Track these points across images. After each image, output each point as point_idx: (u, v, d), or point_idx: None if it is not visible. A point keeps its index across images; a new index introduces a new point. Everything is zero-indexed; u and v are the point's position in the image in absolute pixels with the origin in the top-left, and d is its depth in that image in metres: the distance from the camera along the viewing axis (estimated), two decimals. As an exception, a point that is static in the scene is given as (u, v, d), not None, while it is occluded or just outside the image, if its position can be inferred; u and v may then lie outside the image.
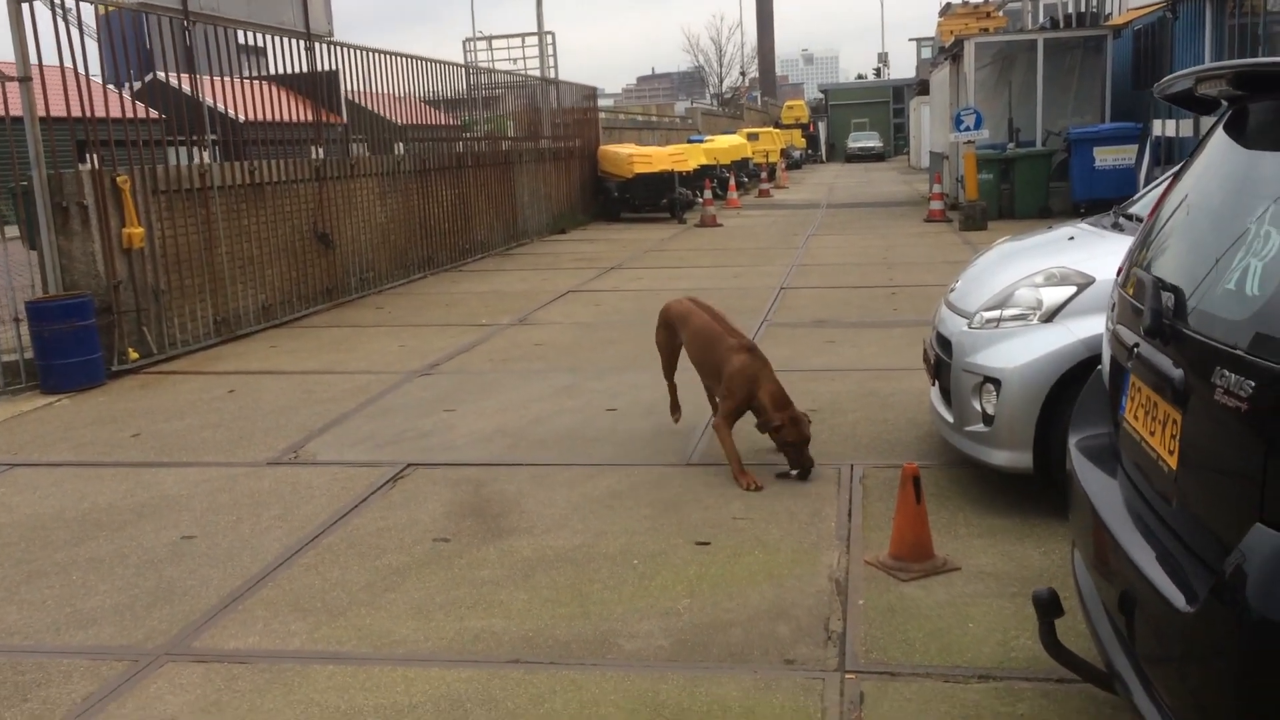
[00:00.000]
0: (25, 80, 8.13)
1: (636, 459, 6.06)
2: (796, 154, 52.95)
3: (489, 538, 4.99)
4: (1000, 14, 30.77)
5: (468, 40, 26.39)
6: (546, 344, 9.47)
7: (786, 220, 22.25)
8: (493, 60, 24.79)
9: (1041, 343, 4.73)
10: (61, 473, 6.29)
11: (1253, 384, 2.12)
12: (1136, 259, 3.06)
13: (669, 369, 6.57)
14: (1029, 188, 19.83)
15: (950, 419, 5.19)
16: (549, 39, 26.13)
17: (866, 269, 13.68)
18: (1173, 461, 2.48)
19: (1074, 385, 4.64)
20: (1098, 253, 4.93)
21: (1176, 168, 3.23)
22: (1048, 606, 2.88)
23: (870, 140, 63.53)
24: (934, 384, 5.53)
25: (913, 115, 50.35)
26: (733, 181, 27.02)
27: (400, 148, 14.65)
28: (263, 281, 10.88)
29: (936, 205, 20.71)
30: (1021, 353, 4.76)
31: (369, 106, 13.91)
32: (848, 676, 3.57)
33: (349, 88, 12.89)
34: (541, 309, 11.48)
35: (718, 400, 5.94)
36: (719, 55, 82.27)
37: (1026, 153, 20.09)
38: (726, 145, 30.36)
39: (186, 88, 10.19)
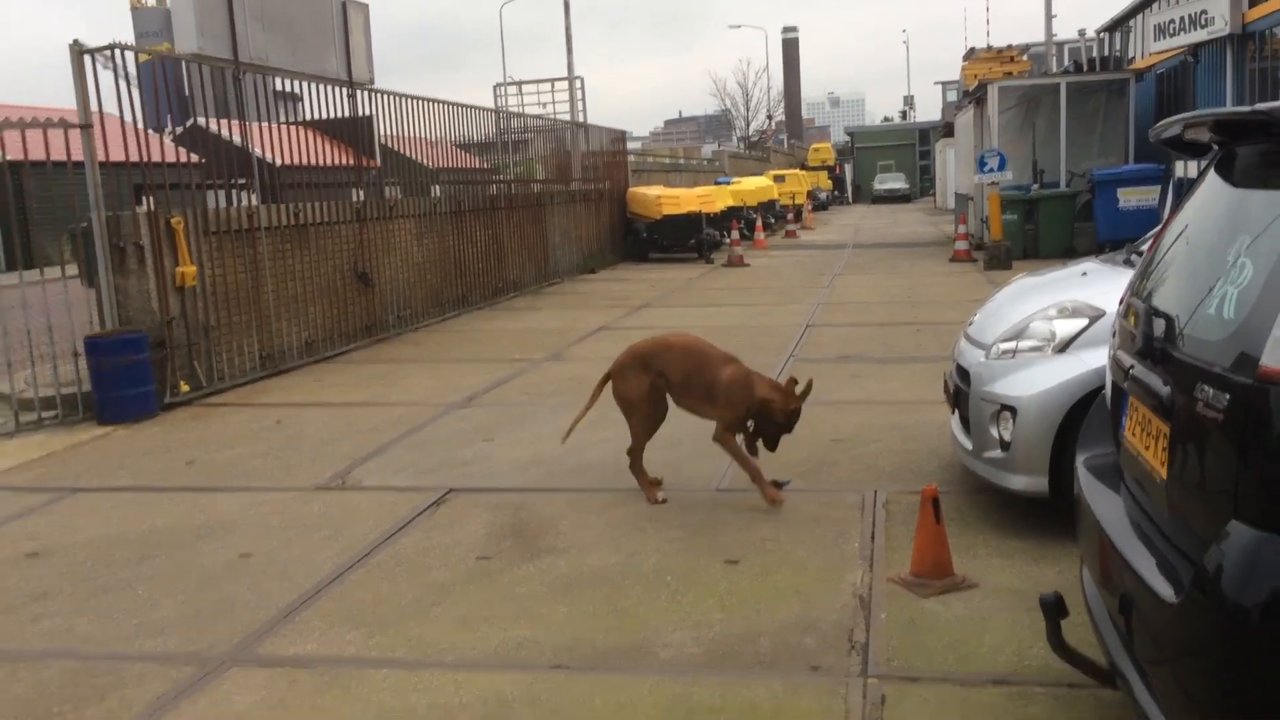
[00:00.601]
0: (87, 127, 8.57)
1: (666, 485, 6.31)
2: (822, 195, 53.40)
3: (528, 556, 5.25)
4: (1024, 58, 31.17)
5: (498, 85, 27.02)
6: (579, 378, 9.75)
7: (812, 261, 22.54)
8: (523, 105, 25.38)
9: (1055, 372, 4.97)
10: (122, 497, 6.62)
11: (1227, 396, 2.37)
12: (1136, 289, 3.31)
13: (650, 430, 6.06)
14: (1053, 228, 20.06)
15: (969, 446, 5.43)
16: (579, 83, 26.74)
17: (891, 307, 13.93)
18: (1163, 471, 2.73)
19: (1084, 411, 4.89)
20: (1108, 287, 5.16)
21: (1175, 206, 3.49)
22: (1054, 609, 3.11)
23: (896, 182, 63.99)
24: (954, 413, 5.77)
25: (939, 157, 50.73)
26: (759, 223, 27.37)
27: (436, 190, 15.08)
28: (306, 319, 11.25)
29: (962, 245, 20.97)
30: (1036, 382, 5.01)
31: (402, 150, 14.34)
32: (870, 681, 3.80)
33: (383, 132, 13.32)
34: (574, 345, 11.79)
35: (716, 415, 5.93)
36: (745, 99, 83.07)
37: (1051, 194, 20.36)
38: (753, 187, 30.77)
39: (227, 133, 10.62)
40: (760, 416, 5.90)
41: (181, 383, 9.26)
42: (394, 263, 13.30)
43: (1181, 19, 18.71)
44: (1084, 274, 5.65)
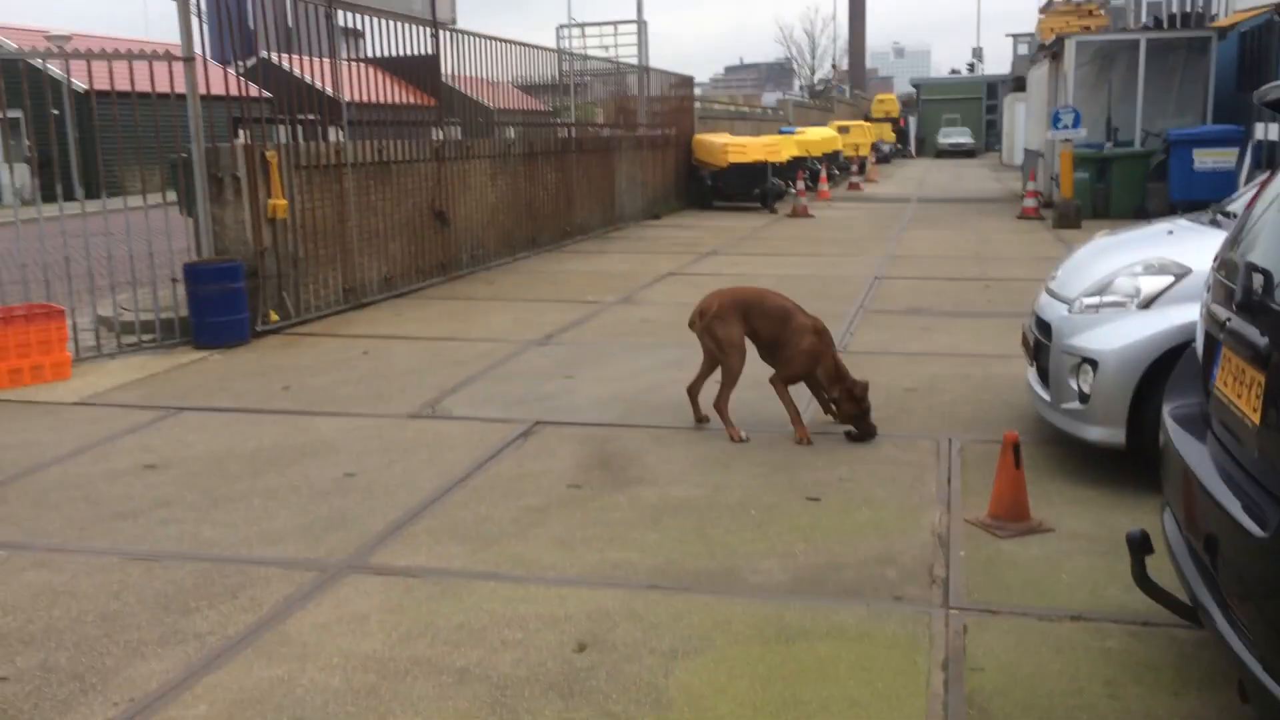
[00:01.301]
0: (190, 60, 8.86)
1: (746, 425, 6.53)
2: (886, 148, 52.74)
3: (617, 486, 5.52)
4: (1102, 12, 30.51)
5: (561, 27, 26.97)
6: (652, 321, 9.99)
7: (877, 213, 22.48)
8: (585, 48, 25.37)
9: (1139, 327, 5.10)
10: (227, 417, 6.98)
11: (1324, 347, 2.53)
12: (1232, 246, 3.45)
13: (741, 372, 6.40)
14: (1125, 188, 19.82)
15: (1047, 397, 5.58)
16: (643, 27, 26.56)
17: (960, 262, 13.97)
18: (1256, 418, 2.89)
19: (1168, 368, 5.02)
20: (1194, 246, 5.28)
21: (1255, 167, 3.61)
22: (1140, 545, 3.31)
23: (961, 136, 62.96)
24: (1031, 365, 5.92)
25: (1007, 112, 49.87)
26: (824, 174, 27.26)
27: (511, 132, 15.27)
28: (386, 254, 11.56)
29: (1030, 203, 20.80)
30: (1119, 336, 5.14)
31: (466, 91, 14.27)
32: (952, 612, 4.02)
33: (450, 71, 13.27)
34: (644, 289, 12.01)
35: (781, 368, 6.37)
36: (812, 47, 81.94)
37: (1124, 153, 20.09)
38: (818, 138, 30.55)
39: (296, 69, 10.60)
40: (824, 371, 6.29)
41: (271, 312, 9.61)
42: (469, 203, 13.56)
43: (1270, -24, 18.25)
44: (1169, 232, 5.74)
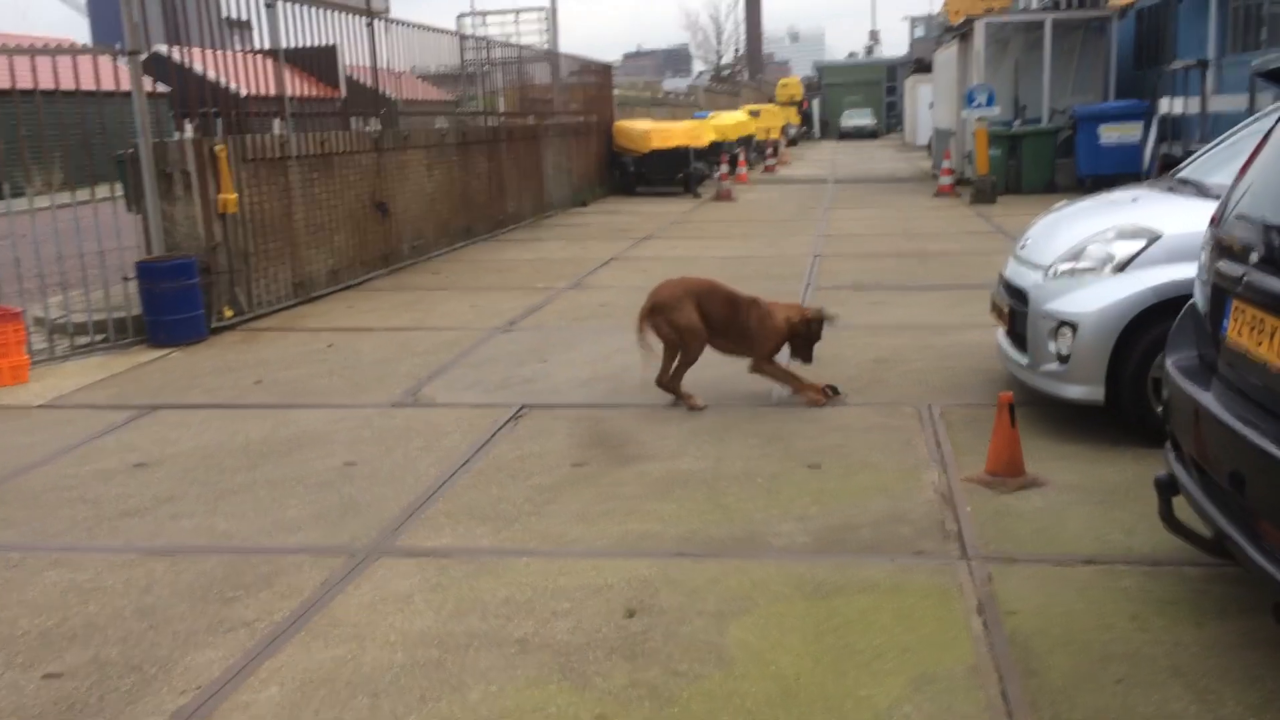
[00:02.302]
0: (135, 54, 8.69)
1: (730, 402, 6.71)
2: (792, 131, 53.50)
3: (620, 463, 5.64)
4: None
5: (462, 16, 26.68)
6: (610, 305, 10.11)
7: (799, 195, 22.88)
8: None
9: (1115, 290, 5.40)
10: (205, 413, 6.91)
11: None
12: (1239, 208, 3.70)
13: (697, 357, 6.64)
14: (1035, 163, 20.48)
15: (1025, 361, 5.87)
16: (544, 14, 26.38)
17: (891, 239, 14.35)
18: (1278, 361, 3.15)
19: (1142, 327, 5.34)
20: (1162, 211, 5.61)
21: (1266, 131, 3.87)
22: (1167, 487, 3.56)
23: (863, 118, 64.17)
24: (1006, 331, 6.19)
25: (908, 94, 51.04)
26: (742, 157, 27.61)
27: (442, 121, 15.20)
28: (332, 247, 11.47)
29: (946, 180, 21.38)
30: (1096, 299, 5.43)
31: (368, 81, 13.71)
32: (973, 562, 4.25)
33: (352, 62, 12.78)
34: (592, 274, 12.11)
35: (754, 350, 6.70)
36: (718, 32, 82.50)
37: (1034, 129, 20.75)
38: (732, 122, 30.91)
39: (188, 61, 9.86)
40: (792, 337, 6.72)
41: (225, 308, 9.49)
42: (407, 193, 13.49)
43: (1167, -43, 19.03)
44: (1134, 200, 6.06)
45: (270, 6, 10.34)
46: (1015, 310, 6.00)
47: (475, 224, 15.90)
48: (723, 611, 3.92)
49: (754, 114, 38.99)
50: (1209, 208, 5.46)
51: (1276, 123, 3.84)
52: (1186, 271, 5.26)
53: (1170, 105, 16.92)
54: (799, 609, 3.91)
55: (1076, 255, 5.67)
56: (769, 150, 32.75)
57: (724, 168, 22.81)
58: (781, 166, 33.43)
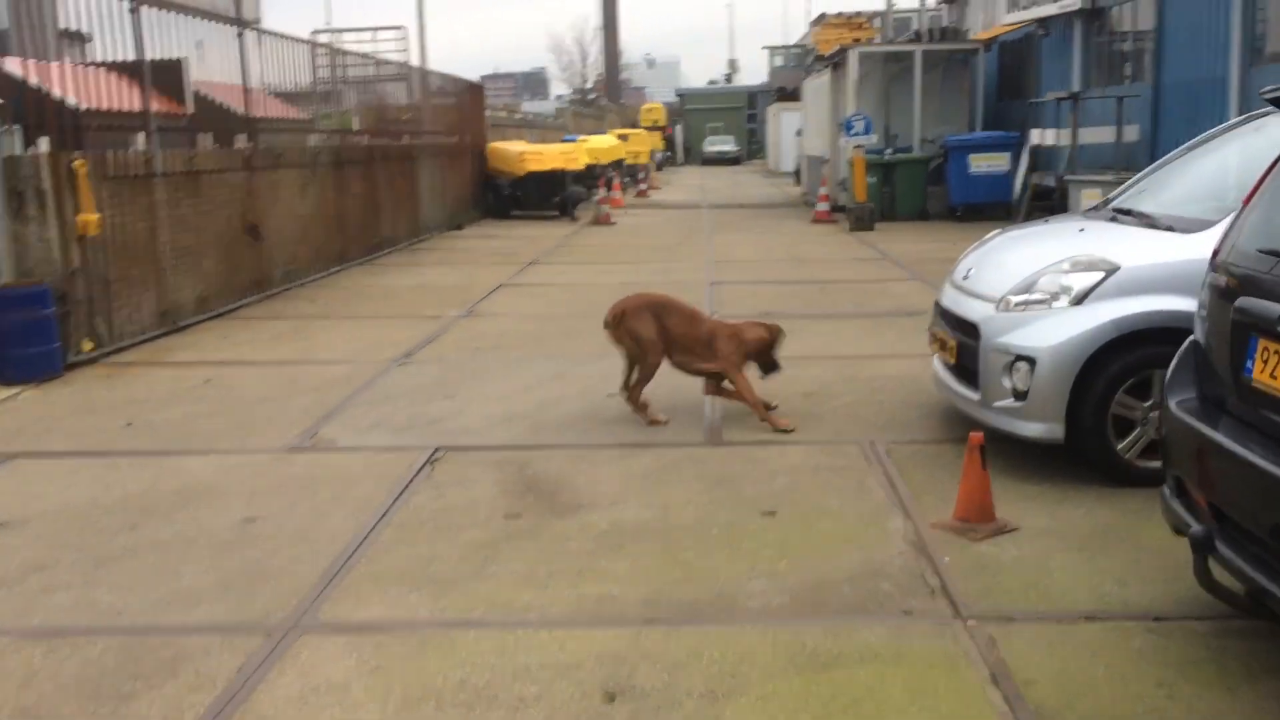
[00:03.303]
0: (-18, 58, 7.79)
1: (662, 440, 6.30)
2: (658, 156, 53.68)
3: (558, 513, 5.15)
4: (871, 25, 32.12)
5: (316, 32, 25.59)
6: (510, 333, 9.58)
7: (677, 219, 22.69)
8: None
9: (1074, 324, 5.19)
10: (71, 463, 6.12)
11: None
12: (1261, 241, 3.47)
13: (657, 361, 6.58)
14: (909, 191, 20.79)
15: (975, 396, 5.62)
16: (402, 33, 25.45)
17: (781, 265, 14.20)
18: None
19: (1103, 362, 5.15)
20: (1115, 243, 5.45)
21: (1274, 162, 3.67)
22: (1203, 544, 3.28)
23: (726, 144, 64.92)
24: (949, 366, 5.94)
25: (771, 121, 51.69)
26: (616, 181, 27.35)
27: (316, 139, 14.41)
28: (200, 272, 10.61)
29: (823, 207, 21.50)
30: (1055, 333, 5.22)
31: (219, 99, 12.79)
32: (969, 623, 3.91)
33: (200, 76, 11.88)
34: (483, 302, 11.54)
35: (715, 365, 6.60)
36: (583, 56, 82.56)
37: (907, 158, 21.07)
38: (605, 145, 30.65)
39: (22, 73, 9.06)
40: (757, 352, 6.71)
41: (85, 341, 8.59)
42: (280, 215, 12.67)
43: (1034, -7, 19.63)
44: (1081, 230, 5.90)
45: (134, 12, 9.48)
46: (963, 343, 5.75)
47: (350, 248, 15.10)
48: (714, 691, 3.48)
49: (623, 138, 38.86)
50: (1163, 239, 5.36)
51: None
52: (1147, 304, 5.14)
53: (1042, 136, 17.33)
54: (798, 686, 3.50)
55: (1030, 287, 5.45)
56: (640, 174, 32.59)
57: (604, 191, 22.48)
58: (653, 191, 33.31)
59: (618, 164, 32.58)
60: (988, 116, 22.66)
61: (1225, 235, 3.77)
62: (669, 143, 63.98)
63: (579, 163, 23.98)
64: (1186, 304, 4.99)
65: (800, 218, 22.34)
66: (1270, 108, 5.81)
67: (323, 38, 25.00)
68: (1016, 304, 5.45)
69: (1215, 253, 3.78)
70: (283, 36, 13.24)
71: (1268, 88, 3.70)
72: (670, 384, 6.93)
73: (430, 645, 3.84)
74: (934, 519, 4.90)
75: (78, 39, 11.90)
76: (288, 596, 4.28)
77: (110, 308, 9.02)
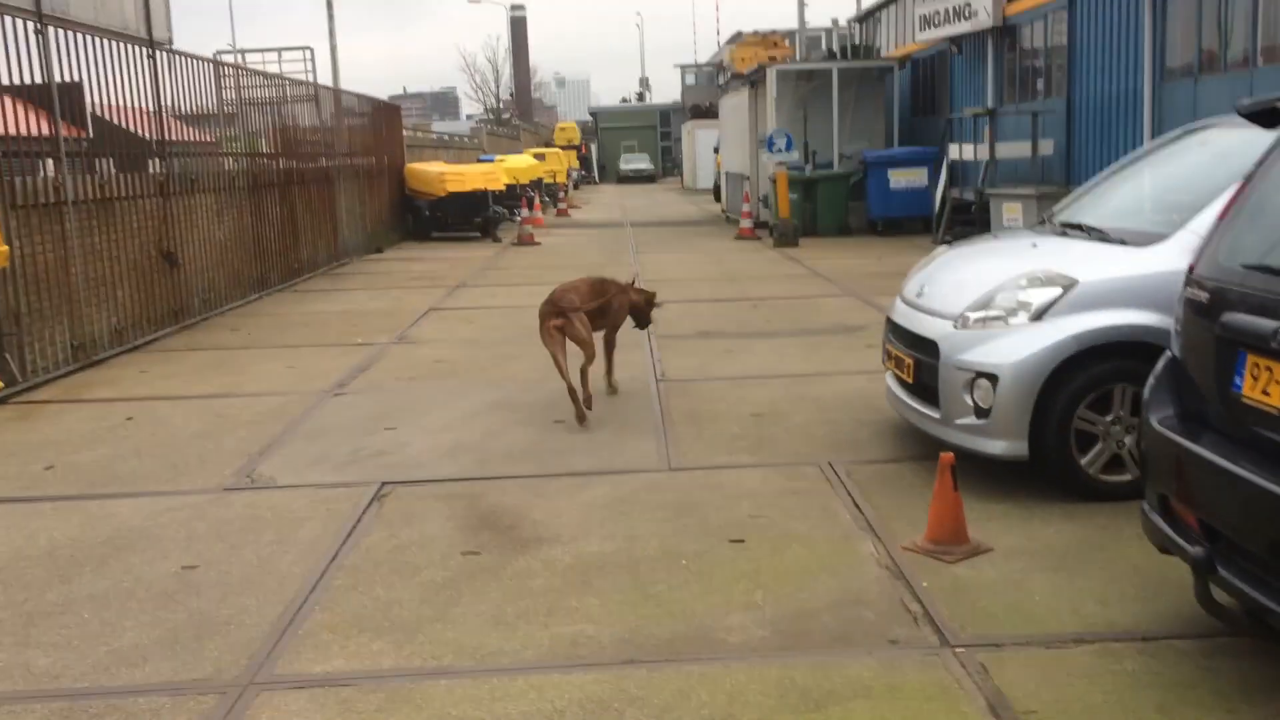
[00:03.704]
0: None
1: (617, 467, 6.13)
2: (574, 175, 53.59)
3: (518, 549, 4.95)
4: (786, 43, 32.44)
5: (220, 53, 24.85)
6: (446, 360, 9.33)
7: (601, 238, 22.57)
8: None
9: (1034, 340, 5.16)
10: (-10, 510, 5.73)
11: None
12: (1249, 256, 3.44)
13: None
14: (829, 207, 20.97)
15: (935, 414, 5.57)
16: (309, 53, 24.81)
17: (713, 284, 14.14)
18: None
19: (1064, 377, 5.13)
20: (1072, 258, 5.45)
21: (1248, 176, 3.66)
22: (1205, 566, 3.23)
23: (641, 162, 65.18)
24: (908, 382, 5.89)
25: (686, 138, 52.01)
26: (537, 201, 27.16)
27: (229, 163, 13.96)
28: (115, 303, 10.16)
29: (746, 224, 21.59)
30: (1016, 349, 5.19)
31: (124, 121, 12.02)
32: (958, 650, 3.82)
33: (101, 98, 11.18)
34: (414, 327, 11.26)
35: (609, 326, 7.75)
36: (496, 75, 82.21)
37: (827, 174, 21.26)
38: (524, 165, 30.47)
39: None
40: (637, 311, 7.97)
41: (-4, 378, 8.14)
42: (197, 241, 12.23)
43: (946, 10, 19.99)
44: (1034, 245, 5.89)
45: (40, 33, 9.05)
46: (921, 361, 5.70)
47: (269, 273, 14.68)
48: (707, 736, 3.32)
49: (540, 157, 38.67)
50: (1117, 252, 5.38)
51: (1265, 162, 3.63)
52: (1105, 319, 5.14)
53: (960, 151, 17.61)
54: (794, 726, 3.36)
55: (988, 303, 5.42)
56: (560, 194, 32.43)
57: (525, 212, 22.27)
58: (573, 210, 33.20)
59: (536, 183, 32.41)
60: (903, 132, 23.01)
61: (1201, 250, 3.75)
62: (584, 162, 63.98)
63: (500, 183, 23.73)
64: (1145, 317, 5.06)
65: (724, 235, 22.39)
66: (1214, 120, 5.92)
67: (227, 59, 24.49)
68: (975, 320, 5.42)
69: (1190, 268, 3.75)
70: (192, 57, 12.80)
71: (1246, 101, 3.69)
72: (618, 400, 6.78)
73: (400, 698, 3.62)
74: (905, 541, 4.81)
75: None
76: (239, 650, 4.02)
77: (20, 343, 8.56)
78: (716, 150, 35.25)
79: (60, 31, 9.47)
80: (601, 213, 32.77)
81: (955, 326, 5.48)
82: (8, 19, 8.66)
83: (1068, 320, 5.15)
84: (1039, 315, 5.23)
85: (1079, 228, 5.93)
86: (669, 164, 67.80)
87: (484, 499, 5.66)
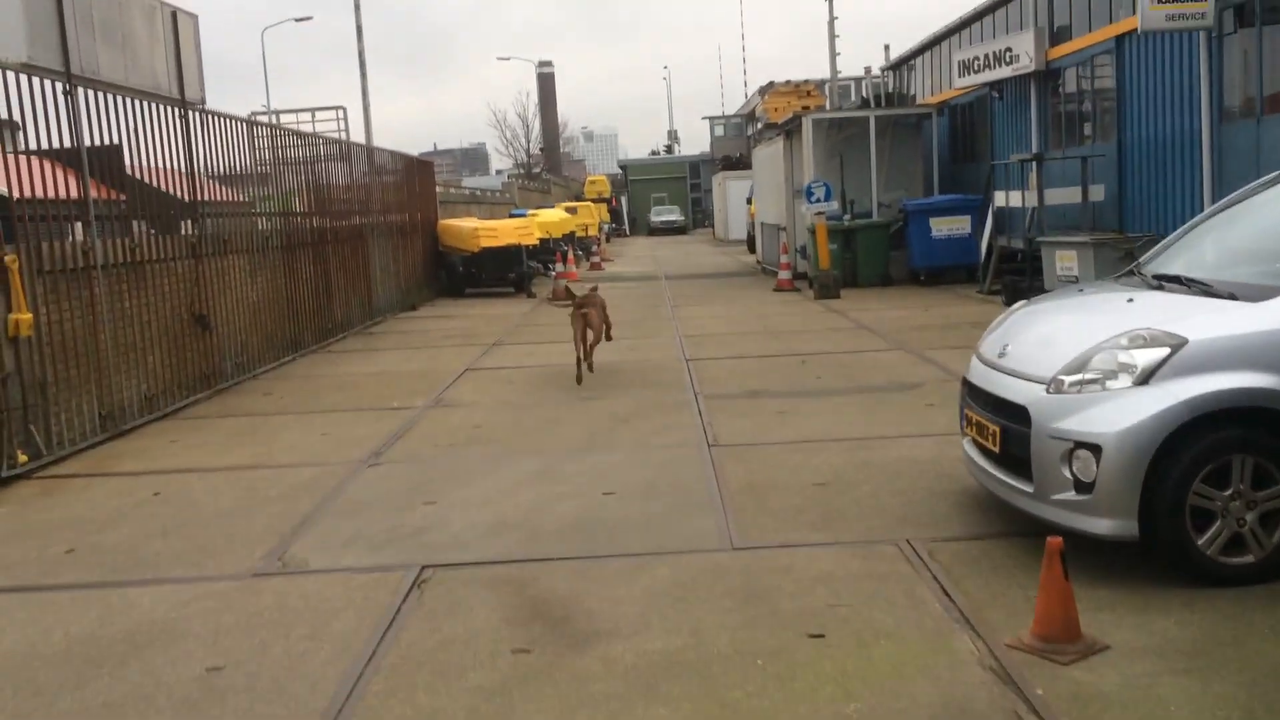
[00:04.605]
0: (-99, 146, 7.08)
1: (675, 546, 5.66)
2: (605, 227, 53.50)
3: (574, 645, 4.48)
4: (818, 92, 32.25)
5: (255, 114, 24.91)
6: (485, 425, 8.91)
7: (636, 292, 22.20)
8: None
9: (1142, 406, 4.67)
10: (3, 601, 5.33)
11: None
12: None
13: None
14: (870, 257, 20.51)
15: (1028, 488, 5.06)
16: (342, 112, 24.93)
17: (755, 339, 13.70)
18: None
19: (1175, 448, 4.62)
20: (1177, 314, 4.95)
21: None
22: None
23: (672, 214, 65.10)
24: (995, 452, 5.39)
25: (717, 189, 51.79)
26: (570, 255, 26.92)
27: (263, 222, 13.71)
28: (145, 369, 9.84)
29: (785, 275, 21.16)
30: (1121, 417, 4.69)
31: (162, 183, 11.70)
32: (1092, 775, 3.31)
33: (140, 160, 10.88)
34: (450, 389, 10.87)
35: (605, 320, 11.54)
36: (526, 131, 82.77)
37: (867, 223, 20.81)
38: (556, 219, 30.29)
39: None
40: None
41: (18, 452, 7.79)
42: (229, 303, 11.95)
43: (986, 56, 19.64)
44: (1129, 300, 5.41)
45: (70, 94, 8.83)
46: (1008, 429, 5.21)
47: (303, 334, 14.39)
48: None
49: (571, 211, 38.56)
50: (1228, 308, 4.88)
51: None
52: (1220, 382, 4.64)
53: (1007, 198, 17.14)
54: None
55: (1084, 365, 4.93)
56: (593, 247, 32.20)
57: (560, 266, 21.98)
58: (606, 263, 32.95)
59: (569, 237, 32.21)
60: (942, 179, 22.58)
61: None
62: (615, 214, 63.99)
63: (533, 237, 23.49)
64: (1266, 380, 4.57)
65: (761, 286, 21.98)
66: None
67: (262, 119, 24.51)
68: (1070, 385, 4.92)
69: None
70: (225, 116, 12.60)
71: None
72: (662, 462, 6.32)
73: (451, 839, 3.15)
74: (1009, 637, 4.30)
75: (10, 126, 11.08)
76: (269, 774, 3.56)
77: (47, 414, 8.23)
78: (749, 200, 34.99)
79: (90, 92, 9.24)
80: (635, 265, 32.49)
81: (1048, 391, 5.00)
82: (36, 79, 8.42)
83: (1177, 384, 4.66)
84: (1145, 379, 4.73)
85: (1177, 280, 5.45)
86: (699, 215, 67.70)
87: (533, 584, 5.20)
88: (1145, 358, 4.77)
